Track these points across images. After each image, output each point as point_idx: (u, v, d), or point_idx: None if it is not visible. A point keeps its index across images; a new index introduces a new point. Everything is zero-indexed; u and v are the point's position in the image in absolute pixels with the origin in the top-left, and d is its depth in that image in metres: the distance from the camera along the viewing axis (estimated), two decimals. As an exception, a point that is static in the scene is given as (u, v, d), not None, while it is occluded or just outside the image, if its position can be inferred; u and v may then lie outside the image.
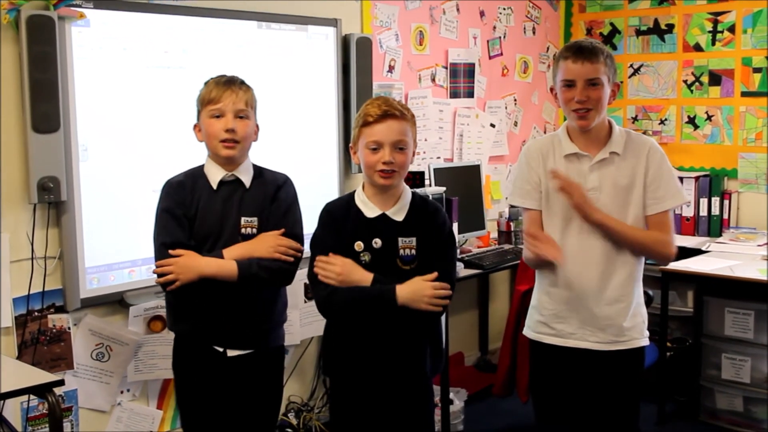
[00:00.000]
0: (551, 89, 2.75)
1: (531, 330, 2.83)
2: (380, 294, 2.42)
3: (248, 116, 2.64)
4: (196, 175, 2.69)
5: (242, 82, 2.67)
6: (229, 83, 2.63)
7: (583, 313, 2.70)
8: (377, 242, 2.48)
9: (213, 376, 2.69)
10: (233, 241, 2.62)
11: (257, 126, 2.72)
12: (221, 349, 2.68)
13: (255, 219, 2.65)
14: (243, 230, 2.63)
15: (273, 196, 2.70)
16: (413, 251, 2.49)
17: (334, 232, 2.52)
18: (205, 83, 2.68)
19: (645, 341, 2.76)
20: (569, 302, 2.70)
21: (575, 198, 2.60)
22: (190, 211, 2.63)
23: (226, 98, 2.59)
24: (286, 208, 2.70)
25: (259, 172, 2.72)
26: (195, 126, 2.70)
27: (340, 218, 2.53)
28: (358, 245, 2.48)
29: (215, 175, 2.65)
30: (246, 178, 2.68)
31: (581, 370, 2.74)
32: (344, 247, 2.49)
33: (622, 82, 5.17)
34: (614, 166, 2.66)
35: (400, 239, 2.49)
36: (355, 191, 2.58)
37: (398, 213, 2.52)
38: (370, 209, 2.51)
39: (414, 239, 2.49)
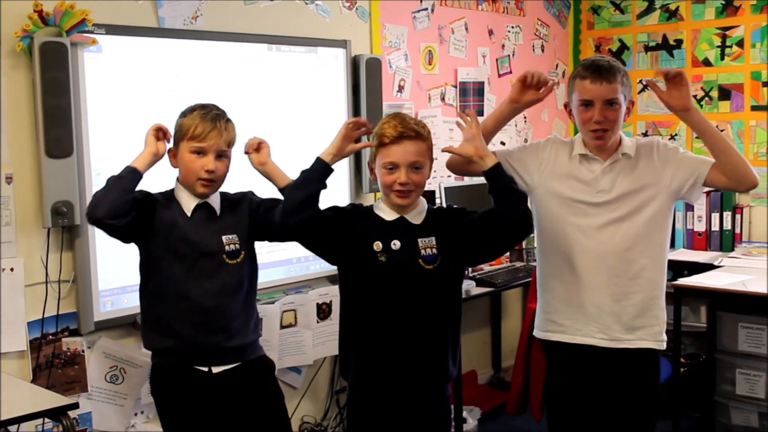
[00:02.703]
0: (565, 106, 2.77)
1: (539, 330, 2.84)
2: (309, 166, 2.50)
3: (228, 156, 2.67)
4: (168, 196, 2.69)
5: (228, 119, 2.66)
6: (215, 120, 2.61)
7: (590, 309, 2.68)
8: (396, 244, 2.48)
9: (203, 398, 2.66)
10: (217, 260, 2.64)
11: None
12: (205, 369, 2.66)
13: (235, 236, 2.68)
14: (227, 247, 2.65)
15: (250, 203, 2.75)
16: (434, 250, 2.49)
17: (346, 213, 2.54)
18: (189, 112, 2.64)
19: (657, 345, 2.71)
20: (574, 296, 2.70)
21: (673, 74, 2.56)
22: (149, 211, 2.62)
23: (211, 138, 2.58)
24: (265, 198, 2.76)
25: (224, 197, 2.74)
26: (170, 151, 2.67)
27: (361, 215, 2.56)
28: (377, 245, 2.48)
29: (188, 202, 2.66)
30: (216, 205, 2.70)
31: (591, 370, 2.72)
32: (362, 246, 2.49)
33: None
34: (626, 168, 2.68)
35: (419, 240, 2.49)
36: (373, 205, 2.60)
37: (416, 217, 2.53)
38: (388, 214, 2.53)
39: (433, 238, 2.50)
